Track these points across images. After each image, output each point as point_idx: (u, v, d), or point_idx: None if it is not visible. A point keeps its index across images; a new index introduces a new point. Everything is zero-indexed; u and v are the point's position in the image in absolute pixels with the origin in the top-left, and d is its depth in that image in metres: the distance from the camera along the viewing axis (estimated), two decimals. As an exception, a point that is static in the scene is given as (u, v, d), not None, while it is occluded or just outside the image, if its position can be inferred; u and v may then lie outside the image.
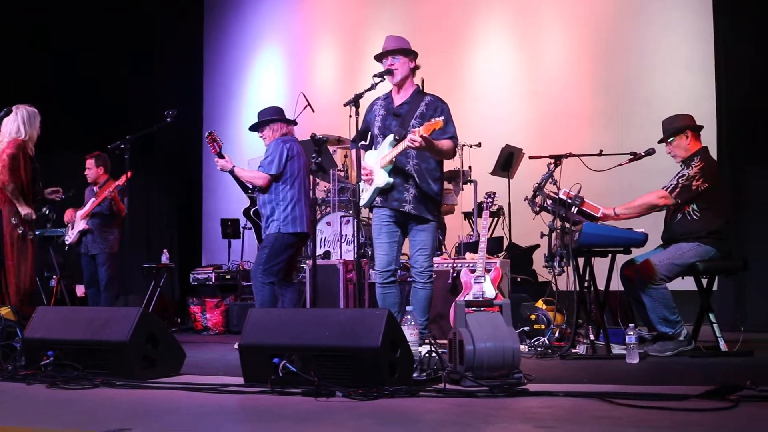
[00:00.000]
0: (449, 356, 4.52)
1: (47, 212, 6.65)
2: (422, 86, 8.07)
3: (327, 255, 8.29)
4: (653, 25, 9.29)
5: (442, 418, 3.46)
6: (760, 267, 7.56)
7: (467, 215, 9.05)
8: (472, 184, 8.61)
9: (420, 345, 4.78)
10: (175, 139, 10.74)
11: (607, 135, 9.08)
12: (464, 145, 8.80)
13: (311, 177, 8.86)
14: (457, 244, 8.36)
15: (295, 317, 4.60)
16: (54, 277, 9.19)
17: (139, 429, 3.26)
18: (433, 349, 4.55)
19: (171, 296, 10.23)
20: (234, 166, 6.71)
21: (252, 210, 6.96)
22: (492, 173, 8.74)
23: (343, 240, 8.30)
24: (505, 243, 8.65)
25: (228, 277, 9.15)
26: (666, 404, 3.56)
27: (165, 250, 9.42)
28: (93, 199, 7.87)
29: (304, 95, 8.87)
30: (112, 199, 7.85)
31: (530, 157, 6.74)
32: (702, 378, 4.63)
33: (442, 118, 5.20)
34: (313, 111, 8.85)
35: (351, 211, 8.34)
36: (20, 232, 6.42)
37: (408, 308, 4.95)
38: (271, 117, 6.81)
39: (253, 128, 6.94)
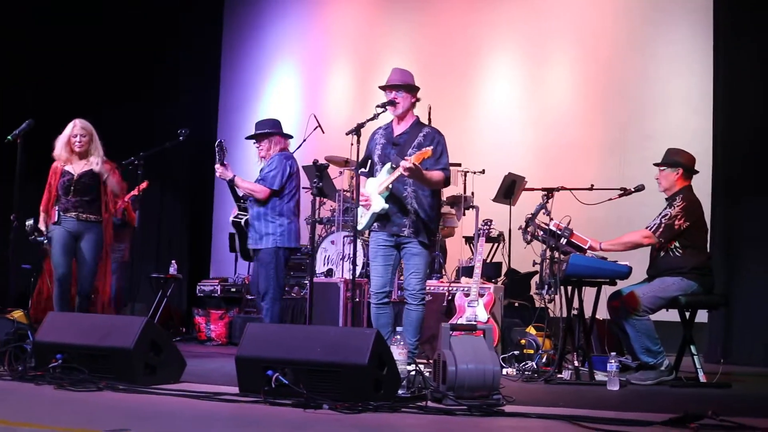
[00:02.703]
0: (433, 376, 4.78)
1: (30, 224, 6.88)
2: (429, 112, 8.45)
3: (330, 273, 8.56)
4: (657, 62, 9.53)
5: (416, 433, 3.73)
6: (749, 302, 7.78)
7: (468, 240, 9.30)
8: (474, 209, 8.85)
9: (408, 364, 5.05)
10: (190, 154, 11.05)
11: (609, 168, 9.32)
12: (468, 172, 9.09)
13: (317, 198, 9.22)
14: (457, 268, 8.63)
15: (290, 333, 4.88)
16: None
17: (139, 429, 3.52)
18: (418, 369, 4.79)
19: (179, 306, 10.51)
20: (235, 176, 6.86)
21: (244, 220, 7.03)
22: (494, 200, 8.95)
23: (346, 259, 8.56)
24: (504, 268, 8.89)
25: (233, 290, 9.43)
26: (629, 429, 3.80)
27: (173, 261, 9.71)
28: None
29: (315, 117, 9.14)
30: (125, 209, 8.14)
31: (523, 190, 6.98)
32: (675, 407, 4.82)
33: (431, 147, 5.51)
34: (323, 132, 9.12)
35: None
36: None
37: (398, 329, 5.20)
38: (271, 130, 7.03)
39: (252, 138, 7.09)
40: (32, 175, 6.91)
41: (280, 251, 6.75)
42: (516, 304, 8.36)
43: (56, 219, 6.73)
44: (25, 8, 10.22)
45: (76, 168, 6.83)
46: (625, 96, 9.70)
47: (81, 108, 7.94)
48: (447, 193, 8.84)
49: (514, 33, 10.57)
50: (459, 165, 8.97)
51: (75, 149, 6.81)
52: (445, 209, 8.65)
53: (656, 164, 6.38)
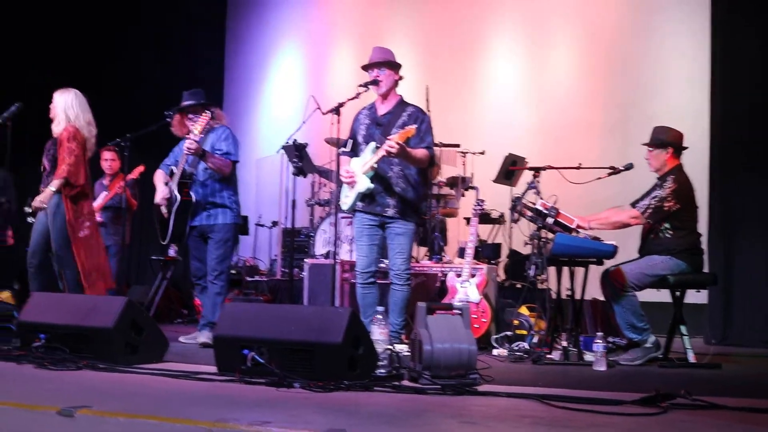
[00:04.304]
0: (411, 355, 4.78)
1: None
2: (427, 93, 8.41)
3: (329, 254, 8.56)
4: (659, 42, 9.48)
5: (381, 411, 3.71)
6: (749, 283, 7.73)
7: (469, 221, 9.25)
8: (475, 190, 8.80)
9: (391, 344, 5.04)
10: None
11: (612, 148, 9.24)
12: (467, 152, 9.03)
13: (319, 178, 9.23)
14: (459, 249, 8.60)
15: (267, 312, 4.89)
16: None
17: (100, 407, 3.54)
18: (391, 348, 4.78)
19: (183, 288, 10.55)
20: (206, 150, 6.53)
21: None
22: (495, 181, 8.91)
23: (344, 241, 8.56)
24: (506, 250, 8.85)
25: (233, 271, 9.44)
26: (596, 407, 3.77)
27: (173, 244, 9.72)
28: (105, 192, 8.20)
29: (314, 98, 9.12)
30: (124, 194, 8.18)
31: (510, 168, 6.95)
32: (657, 386, 4.80)
33: (415, 126, 5.50)
34: (323, 113, 9.09)
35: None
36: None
37: (378, 308, 5.19)
38: (210, 102, 6.78)
39: (192, 109, 6.72)
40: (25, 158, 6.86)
41: (237, 227, 6.68)
42: (518, 286, 8.32)
43: None
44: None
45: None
46: (627, 76, 9.65)
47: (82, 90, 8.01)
48: (445, 174, 8.82)
49: (516, 13, 10.51)
50: (458, 146, 8.93)
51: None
52: (445, 190, 8.62)
53: (645, 144, 6.34)
